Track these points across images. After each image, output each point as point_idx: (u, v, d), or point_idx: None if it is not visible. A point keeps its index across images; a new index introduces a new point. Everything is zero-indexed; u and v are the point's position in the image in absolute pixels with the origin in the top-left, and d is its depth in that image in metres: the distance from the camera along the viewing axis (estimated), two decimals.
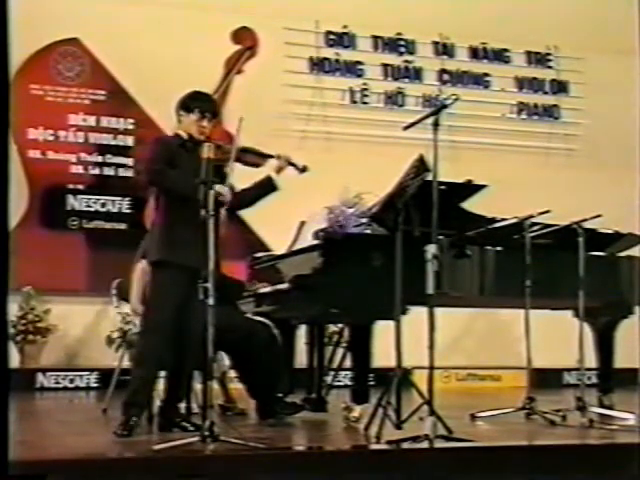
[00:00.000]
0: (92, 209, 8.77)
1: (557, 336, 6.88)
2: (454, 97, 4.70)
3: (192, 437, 4.15)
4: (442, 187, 4.60)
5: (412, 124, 4.75)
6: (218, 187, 4.48)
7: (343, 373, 6.67)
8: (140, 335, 4.98)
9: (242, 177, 4.98)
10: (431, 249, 4.48)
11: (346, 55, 9.76)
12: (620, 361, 6.31)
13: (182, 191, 4.64)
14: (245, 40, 9.26)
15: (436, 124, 4.60)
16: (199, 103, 4.88)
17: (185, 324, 4.72)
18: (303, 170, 5.14)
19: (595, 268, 5.72)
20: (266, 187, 5.03)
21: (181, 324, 4.73)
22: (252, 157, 5.05)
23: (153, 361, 4.72)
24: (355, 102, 9.75)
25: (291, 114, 9.28)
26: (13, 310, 8.00)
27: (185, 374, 4.97)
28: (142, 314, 5.10)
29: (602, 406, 5.94)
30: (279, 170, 5.02)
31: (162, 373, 4.99)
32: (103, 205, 8.81)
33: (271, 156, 5.08)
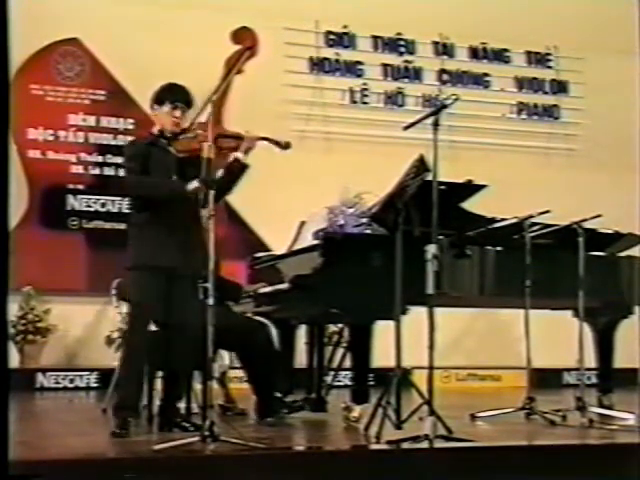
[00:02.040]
0: (92, 209, 8.77)
1: (557, 336, 6.88)
2: (454, 97, 4.70)
3: (192, 437, 4.15)
4: (442, 187, 4.60)
5: (412, 124, 4.75)
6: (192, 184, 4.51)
7: (343, 373, 6.67)
8: (123, 338, 4.98)
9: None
10: (431, 249, 4.48)
11: (346, 55, 9.76)
12: (620, 361, 6.31)
13: (159, 195, 4.68)
14: (245, 40, 9.24)
15: (436, 124, 4.60)
16: (170, 94, 4.81)
17: (175, 323, 4.72)
18: (286, 147, 4.96)
19: (595, 268, 5.72)
20: (235, 169, 4.81)
21: (170, 323, 4.73)
22: (228, 141, 4.84)
23: (137, 362, 4.70)
24: (355, 102, 9.76)
25: (291, 114, 9.28)
26: (13, 310, 8.01)
27: (181, 373, 4.93)
28: (127, 317, 5.07)
29: (602, 406, 5.93)
30: (247, 150, 4.80)
31: (159, 373, 5.00)
32: (103, 205, 8.81)
33: (240, 137, 4.85)
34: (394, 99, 9.86)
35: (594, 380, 6.42)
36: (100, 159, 8.85)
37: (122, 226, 8.68)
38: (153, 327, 4.95)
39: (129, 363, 4.73)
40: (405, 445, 4.25)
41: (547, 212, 5.52)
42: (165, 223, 4.65)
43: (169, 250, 4.60)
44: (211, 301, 4.22)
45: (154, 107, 4.85)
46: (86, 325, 8.47)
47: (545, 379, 7.24)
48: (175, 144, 4.75)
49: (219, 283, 4.48)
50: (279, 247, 6.32)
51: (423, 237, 4.72)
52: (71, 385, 8.14)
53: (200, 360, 4.50)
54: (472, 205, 5.57)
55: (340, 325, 6.01)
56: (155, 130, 4.84)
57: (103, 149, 8.87)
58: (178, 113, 4.77)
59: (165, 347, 4.78)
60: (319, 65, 9.67)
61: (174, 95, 4.80)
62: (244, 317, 5.76)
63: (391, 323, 4.75)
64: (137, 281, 4.75)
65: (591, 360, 6.12)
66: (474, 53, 10.16)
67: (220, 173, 4.73)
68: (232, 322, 5.32)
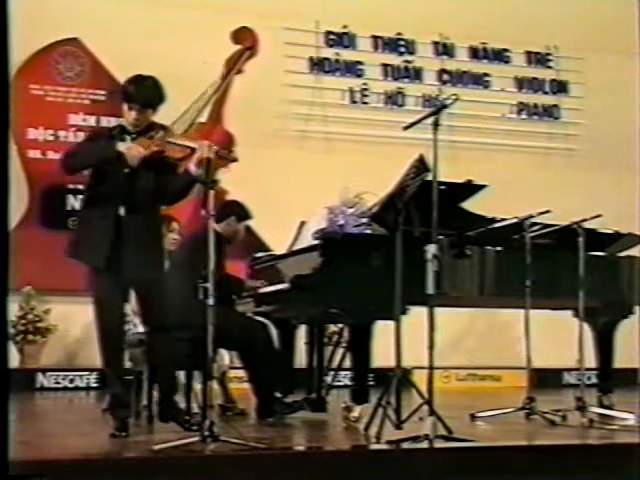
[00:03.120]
0: None
1: (557, 336, 6.88)
2: (454, 97, 4.69)
3: (192, 437, 4.15)
4: (442, 187, 4.59)
5: (412, 124, 4.75)
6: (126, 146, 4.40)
7: (343, 373, 6.67)
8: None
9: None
10: (431, 249, 4.48)
11: (346, 55, 9.77)
12: (620, 361, 6.31)
13: (88, 157, 4.56)
14: (245, 40, 9.26)
15: (436, 124, 4.60)
16: (128, 92, 4.52)
17: (151, 319, 4.71)
18: (233, 160, 4.73)
19: (595, 268, 5.72)
20: (183, 179, 4.57)
21: (146, 319, 4.73)
22: (176, 149, 4.52)
23: (114, 358, 4.67)
24: (355, 102, 9.76)
25: (291, 114, 9.29)
26: (13, 310, 8.00)
27: (166, 367, 4.85)
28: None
29: (602, 406, 5.93)
30: (200, 162, 4.41)
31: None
32: None
33: (189, 147, 4.51)
34: (394, 99, 9.86)
35: (594, 380, 6.42)
36: None
37: None
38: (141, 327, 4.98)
39: (107, 364, 4.69)
40: (405, 445, 4.25)
41: (547, 212, 5.52)
42: (102, 221, 4.52)
43: (100, 249, 4.48)
44: (211, 301, 4.22)
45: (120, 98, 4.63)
46: (86, 325, 8.42)
47: (545, 379, 7.24)
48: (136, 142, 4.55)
49: (223, 279, 4.47)
50: (279, 247, 6.32)
51: (423, 237, 4.72)
52: (71, 385, 8.14)
53: (192, 358, 4.51)
54: (472, 205, 5.57)
55: (340, 325, 6.01)
56: (122, 122, 4.64)
57: None
58: (133, 114, 4.50)
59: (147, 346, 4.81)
60: (319, 65, 9.67)
61: (131, 93, 4.50)
62: (245, 317, 5.76)
63: (391, 323, 4.75)
64: (89, 278, 4.66)
65: (591, 360, 6.12)
66: (474, 53, 10.17)
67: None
68: (233, 322, 5.32)
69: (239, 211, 5.80)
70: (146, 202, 4.57)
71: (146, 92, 4.53)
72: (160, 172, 4.57)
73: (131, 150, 4.49)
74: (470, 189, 5.44)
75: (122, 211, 4.52)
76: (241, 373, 5.89)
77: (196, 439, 4.10)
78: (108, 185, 4.54)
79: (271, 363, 5.45)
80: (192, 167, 4.47)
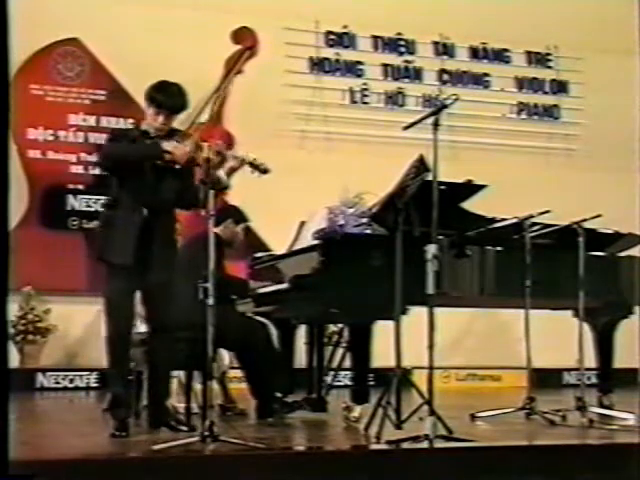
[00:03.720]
0: (92, 209, 8.76)
1: (557, 336, 6.88)
2: (454, 97, 4.69)
3: (192, 437, 4.15)
4: (442, 187, 4.59)
5: (412, 124, 4.75)
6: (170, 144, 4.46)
7: (343, 373, 6.67)
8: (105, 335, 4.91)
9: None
10: (431, 249, 4.48)
11: (346, 55, 9.77)
12: (620, 361, 6.31)
13: (135, 157, 4.59)
14: (245, 40, 9.25)
15: (436, 124, 4.60)
16: (159, 96, 4.61)
17: (149, 321, 4.71)
18: (265, 172, 4.88)
19: (595, 268, 5.72)
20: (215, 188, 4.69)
21: (152, 322, 4.72)
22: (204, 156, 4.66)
23: (121, 358, 4.66)
24: (355, 102, 9.76)
25: (291, 114, 9.29)
26: (13, 310, 8.01)
27: (163, 371, 4.85)
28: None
29: (602, 406, 5.93)
30: (232, 171, 4.81)
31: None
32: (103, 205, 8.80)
33: (224, 155, 4.75)
34: (394, 99, 9.86)
35: (594, 380, 6.42)
36: None
37: None
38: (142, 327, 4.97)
39: (114, 363, 4.66)
40: (405, 445, 4.25)
41: (547, 212, 5.52)
42: (130, 221, 4.57)
43: (129, 249, 4.53)
44: (211, 301, 4.22)
45: (145, 102, 4.70)
46: (86, 325, 8.46)
47: (545, 379, 7.24)
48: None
49: (225, 281, 4.48)
50: (279, 247, 6.32)
51: (423, 237, 4.72)
52: (71, 385, 8.14)
53: (200, 360, 4.50)
54: (472, 205, 5.57)
55: (340, 325, 6.01)
56: (143, 126, 4.72)
57: None
58: (161, 119, 4.61)
59: (149, 346, 4.79)
60: (319, 65, 9.67)
61: (160, 99, 4.60)
62: (244, 317, 5.76)
63: (391, 323, 4.75)
64: (106, 276, 4.68)
65: (591, 360, 6.12)
66: (474, 53, 10.17)
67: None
68: (231, 322, 5.31)
69: (235, 214, 5.81)
70: (168, 204, 4.66)
71: (175, 99, 4.65)
72: (183, 176, 4.65)
73: (178, 149, 4.55)
74: (470, 189, 5.44)
75: (146, 212, 4.59)
76: (241, 373, 5.89)
77: (196, 439, 4.10)
78: (135, 186, 4.60)
79: (270, 363, 5.45)
80: (222, 175, 4.65)
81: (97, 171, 8.82)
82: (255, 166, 4.83)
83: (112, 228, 4.65)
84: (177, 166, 4.60)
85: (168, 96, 4.62)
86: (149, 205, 4.59)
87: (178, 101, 4.66)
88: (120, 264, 4.57)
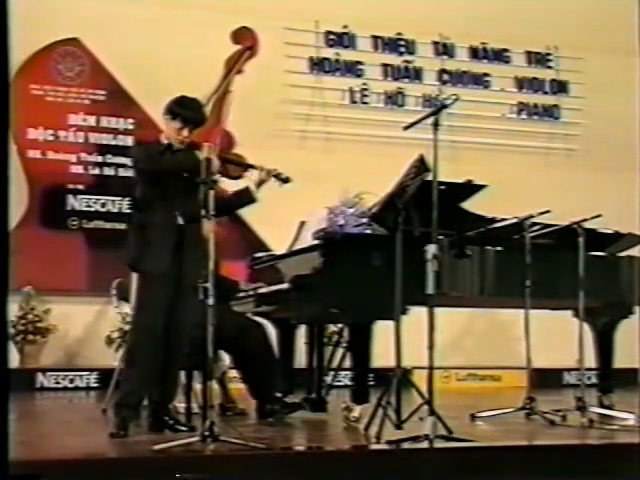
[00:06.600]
0: (92, 209, 8.77)
1: (557, 336, 6.88)
2: (454, 97, 4.69)
3: (192, 437, 4.15)
4: (442, 187, 4.60)
5: (412, 124, 4.75)
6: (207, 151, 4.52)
7: (343, 373, 6.67)
8: (130, 336, 4.97)
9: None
10: (431, 249, 4.48)
11: (346, 55, 9.76)
12: (620, 361, 6.31)
13: (181, 166, 4.70)
14: (245, 40, 9.25)
15: (436, 124, 4.60)
16: (183, 111, 4.74)
17: (170, 324, 4.72)
18: (286, 181, 5.03)
19: (595, 268, 5.72)
20: (244, 199, 5.03)
21: (166, 325, 4.73)
22: (233, 169, 5.03)
23: (144, 361, 4.68)
24: (355, 102, 9.76)
25: (291, 114, 9.29)
26: (13, 310, 8.00)
27: (172, 374, 4.87)
28: (133, 315, 5.09)
29: (602, 406, 5.93)
30: (260, 183, 4.96)
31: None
32: (103, 205, 8.81)
33: (253, 166, 4.99)
34: (394, 99, 9.86)
35: (594, 380, 6.42)
36: (100, 159, 8.85)
37: (122, 226, 8.72)
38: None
39: (136, 362, 4.70)
40: (405, 445, 4.26)
41: (547, 212, 5.52)
42: (165, 226, 4.68)
43: (166, 255, 4.65)
44: (211, 301, 4.23)
45: (165, 117, 4.80)
46: (86, 325, 8.47)
47: (545, 379, 7.24)
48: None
49: (218, 281, 4.48)
50: (279, 247, 6.31)
51: (423, 237, 4.72)
52: (71, 385, 8.14)
53: (200, 360, 4.50)
54: (472, 205, 5.57)
55: (340, 325, 6.01)
56: (163, 139, 4.80)
57: (103, 149, 8.86)
58: (186, 132, 4.73)
59: (159, 349, 4.78)
60: (319, 65, 9.67)
61: (187, 113, 4.74)
62: (239, 317, 5.75)
63: (391, 323, 4.75)
64: (140, 280, 4.78)
65: (591, 360, 6.12)
66: (474, 53, 10.16)
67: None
68: (226, 322, 5.31)
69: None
70: (199, 213, 4.65)
71: (199, 114, 4.85)
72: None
73: (212, 160, 4.59)
74: (470, 189, 5.44)
75: (180, 220, 4.71)
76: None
77: (196, 439, 4.10)
78: (171, 194, 4.71)
79: (266, 362, 5.46)
80: (252, 186, 4.93)
81: (97, 171, 8.86)
82: (279, 177, 4.99)
83: (145, 235, 4.73)
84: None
85: (194, 112, 4.79)
86: (185, 214, 4.70)
87: (202, 115, 4.87)
88: (156, 273, 4.67)
